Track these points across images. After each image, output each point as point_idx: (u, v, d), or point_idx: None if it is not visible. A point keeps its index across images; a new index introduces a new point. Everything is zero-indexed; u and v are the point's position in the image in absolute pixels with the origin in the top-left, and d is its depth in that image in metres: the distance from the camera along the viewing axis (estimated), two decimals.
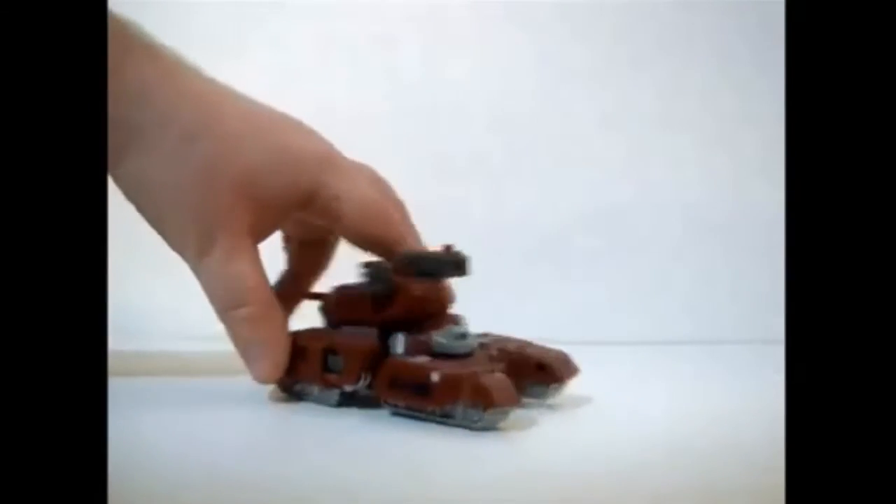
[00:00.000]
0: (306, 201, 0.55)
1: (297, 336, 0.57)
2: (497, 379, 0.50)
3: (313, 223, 0.59)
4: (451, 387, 0.50)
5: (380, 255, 0.58)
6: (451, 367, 0.51)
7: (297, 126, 0.57)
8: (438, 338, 0.53)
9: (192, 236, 0.52)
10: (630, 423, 0.55)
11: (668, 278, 0.95)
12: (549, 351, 0.57)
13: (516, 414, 0.52)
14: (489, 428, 0.50)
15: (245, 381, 0.58)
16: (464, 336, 0.54)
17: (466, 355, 0.53)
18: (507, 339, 0.58)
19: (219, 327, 0.55)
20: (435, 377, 0.50)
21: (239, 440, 0.50)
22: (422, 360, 0.52)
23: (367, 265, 0.57)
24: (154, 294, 0.91)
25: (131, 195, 0.53)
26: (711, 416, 0.57)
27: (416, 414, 0.52)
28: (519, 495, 0.40)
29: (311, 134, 0.58)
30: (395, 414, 0.53)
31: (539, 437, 0.51)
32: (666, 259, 0.96)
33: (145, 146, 0.52)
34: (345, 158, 0.58)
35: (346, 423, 0.52)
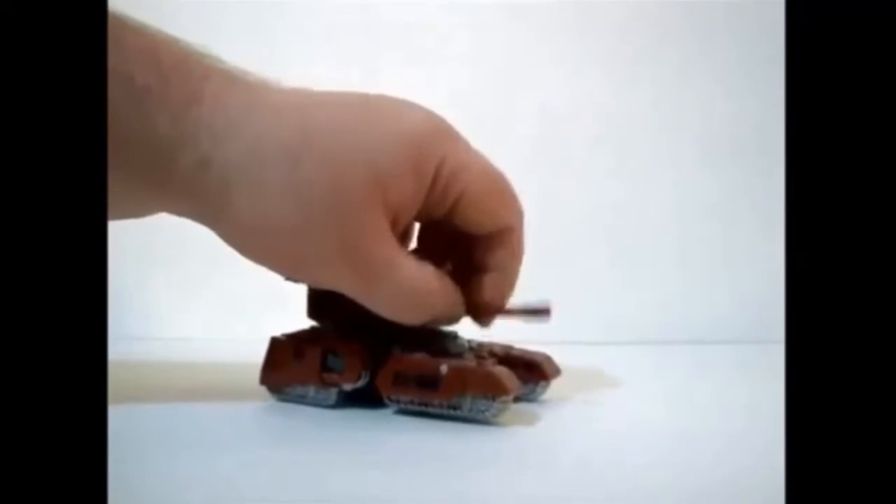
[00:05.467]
0: (435, 178, 0.49)
1: (292, 337, 0.57)
2: (502, 370, 0.51)
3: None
4: (460, 378, 0.50)
5: (489, 234, 0.53)
6: (456, 361, 0.52)
7: (394, 103, 0.51)
8: (433, 337, 0.54)
9: (344, 266, 0.48)
10: (629, 422, 0.55)
11: (668, 278, 0.96)
12: (534, 353, 0.59)
13: (516, 409, 0.52)
14: (496, 419, 0.50)
15: (242, 386, 0.59)
16: (455, 337, 0.55)
17: (459, 354, 0.53)
18: (492, 343, 0.59)
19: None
20: (444, 369, 0.51)
21: (242, 444, 0.50)
22: (423, 355, 0.53)
23: None
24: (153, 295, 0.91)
25: (254, 245, 0.49)
26: (709, 416, 0.56)
27: (423, 409, 0.52)
28: (528, 490, 0.40)
29: (413, 106, 0.51)
30: (400, 411, 0.53)
31: (544, 432, 0.52)
32: (664, 258, 0.96)
33: (249, 185, 0.47)
34: (455, 128, 0.52)
35: (349, 424, 0.52)
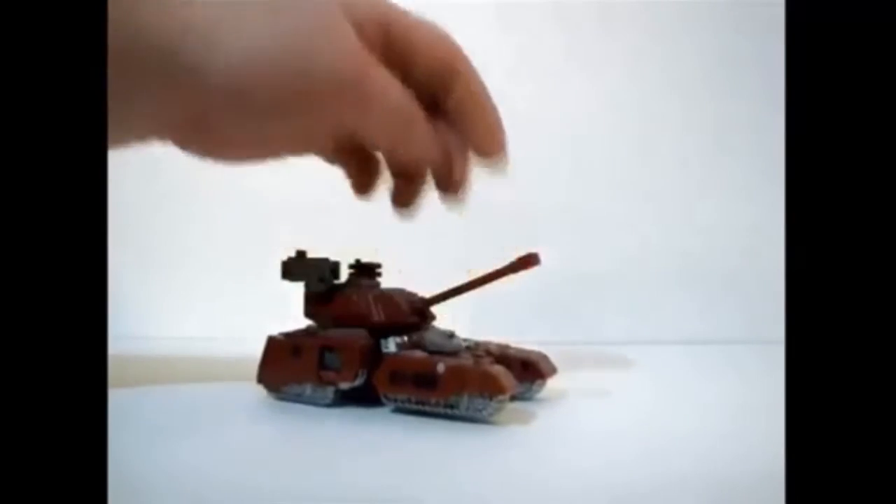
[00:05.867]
0: (386, 30, 0.56)
1: (289, 336, 0.58)
2: (499, 369, 0.51)
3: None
4: (458, 377, 0.51)
5: (443, 82, 0.58)
6: (453, 360, 0.52)
7: None
8: (429, 336, 0.55)
9: (337, 80, 0.52)
10: (626, 420, 0.55)
11: (668, 278, 0.96)
12: (530, 352, 0.59)
13: (512, 408, 0.53)
14: (492, 417, 0.51)
15: (239, 384, 0.59)
16: (451, 336, 0.56)
17: (455, 353, 0.54)
18: (488, 342, 0.60)
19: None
20: (441, 368, 0.51)
21: (241, 444, 0.50)
22: (421, 354, 0.53)
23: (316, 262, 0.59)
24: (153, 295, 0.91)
25: (244, 94, 0.51)
26: (707, 416, 0.56)
27: (420, 408, 0.52)
28: (527, 488, 0.40)
29: None
30: (397, 410, 0.54)
31: (541, 431, 0.52)
32: (665, 258, 0.96)
33: (238, 32, 0.50)
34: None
35: (345, 423, 0.53)
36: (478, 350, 0.56)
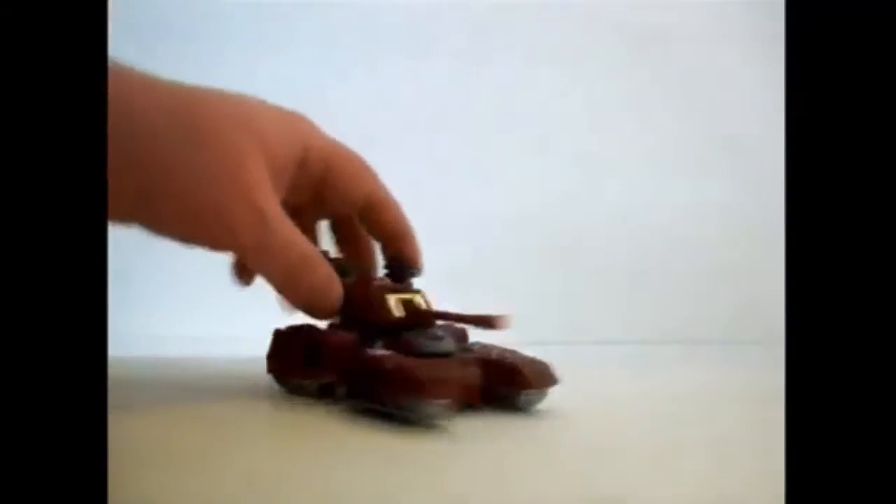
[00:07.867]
0: (302, 160, 0.57)
1: (293, 329, 0.58)
2: (440, 372, 0.49)
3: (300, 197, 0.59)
4: (398, 378, 0.48)
5: (359, 208, 0.62)
6: (411, 361, 0.50)
7: (264, 100, 0.58)
8: (421, 338, 0.53)
9: (237, 214, 0.51)
10: (628, 421, 0.55)
11: (669, 278, 0.96)
12: (531, 359, 0.55)
13: (493, 419, 0.51)
14: (433, 421, 0.48)
15: (239, 380, 0.59)
16: (439, 337, 0.53)
17: (446, 355, 0.52)
18: (492, 347, 0.57)
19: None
20: (386, 368, 0.49)
21: (240, 444, 0.50)
22: (381, 353, 0.52)
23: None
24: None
25: (172, 219, 0.52)
26: (710, 415, 0.56)
27: (379, 407, 0.50)
28: (526, 488, 0.40)
29: (280, 106, 0.58)
30: (364, 409, 0.52)
31: (541, 431, 0.51)
32: (665, 259, 0.96)
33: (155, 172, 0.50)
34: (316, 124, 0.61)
35: (342, 421, 0.52)
36: (474, 353, 0.55)
